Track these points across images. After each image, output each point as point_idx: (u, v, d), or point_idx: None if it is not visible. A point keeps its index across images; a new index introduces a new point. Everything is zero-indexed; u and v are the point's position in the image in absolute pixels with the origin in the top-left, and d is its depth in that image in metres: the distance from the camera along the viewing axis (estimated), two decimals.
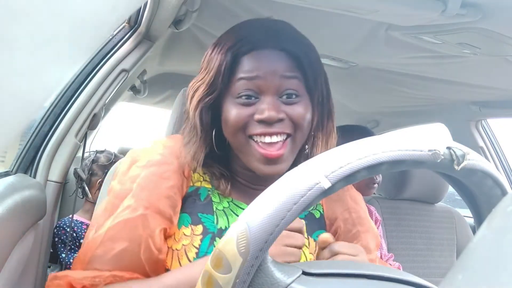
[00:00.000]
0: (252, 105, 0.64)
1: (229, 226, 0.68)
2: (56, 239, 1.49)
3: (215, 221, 0.68)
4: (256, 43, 0.65)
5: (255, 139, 0.65)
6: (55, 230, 1.49)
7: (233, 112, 0.65)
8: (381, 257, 1.53)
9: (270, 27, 0.68)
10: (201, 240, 0.66)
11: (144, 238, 0.63)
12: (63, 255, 1.46)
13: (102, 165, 1.70)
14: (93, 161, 1.71)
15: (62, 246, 1.49)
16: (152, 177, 0.66)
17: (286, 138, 0.65)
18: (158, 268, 0.64)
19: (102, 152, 1.78)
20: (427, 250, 1.73)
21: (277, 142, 0.64)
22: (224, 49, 0.66)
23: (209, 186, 0.72)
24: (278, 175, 0.54)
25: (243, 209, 0.70)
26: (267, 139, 0.64)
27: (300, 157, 0.73)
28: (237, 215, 0.70)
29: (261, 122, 0.63)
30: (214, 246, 0.65)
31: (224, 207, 0.70)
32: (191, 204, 0.69)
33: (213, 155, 0.70)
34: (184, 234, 0.67)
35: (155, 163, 0.68)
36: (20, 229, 0.77)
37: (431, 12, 0.80)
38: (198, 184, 0.72)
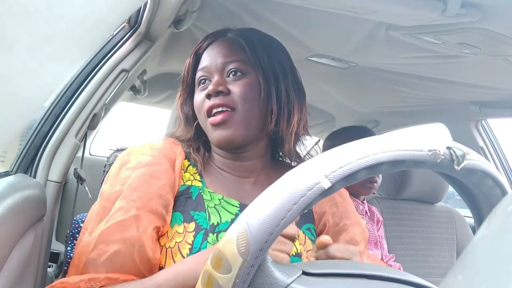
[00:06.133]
0: (207, 88, 0.75)
1: (221, 222, 0.69)
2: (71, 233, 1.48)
3: (207, 218, 0.69)
4: (210, 38, 0.80)
5: (208, 116, 0.74)
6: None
7: (196, 97, 0.78)
8: (381, 257, 1.53)
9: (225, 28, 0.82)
10: (194, 237, 0.67)
11: (138, 238, 0.63)
12: (69, 248, 1.45)
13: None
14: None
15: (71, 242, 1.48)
16: (143, 177, 0.68)
17: (230, 111, 0.73)
18: (152, 266, 0.65)
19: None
20: (427, 250, 1.73)
21: (220, 112, 0.72)
22: (192, 54, 0.81)
23: (200, 184, 0.75)
24: (231, 143, 0.73)
25: (234, 205, 0.73)
26: (214, 111, 0.73)
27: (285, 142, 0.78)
28: (228, 211, 0.72)
29: (208, 97, 0.73)
30: (207, 242, 0.66)
31: (215, 204, 0.72)
32: (183, 203, 0.71)
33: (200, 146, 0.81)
34: (177, 232, 0.68)
35: (145, 164, 0.70)
36: (20, 229, 0.77)
37: (431, 12, 0.81)
38: (189, 183, 0.74)
